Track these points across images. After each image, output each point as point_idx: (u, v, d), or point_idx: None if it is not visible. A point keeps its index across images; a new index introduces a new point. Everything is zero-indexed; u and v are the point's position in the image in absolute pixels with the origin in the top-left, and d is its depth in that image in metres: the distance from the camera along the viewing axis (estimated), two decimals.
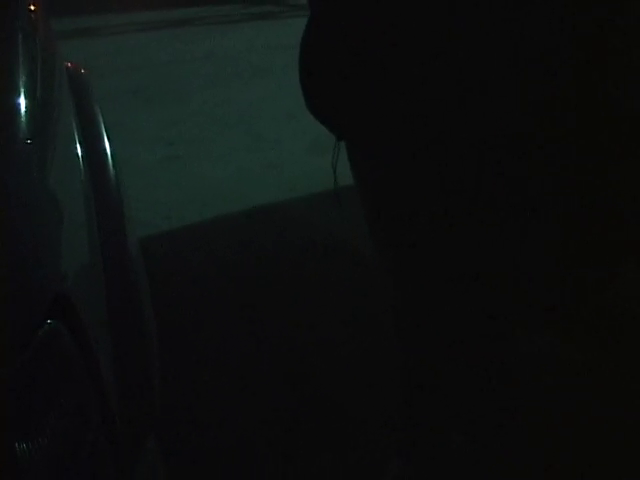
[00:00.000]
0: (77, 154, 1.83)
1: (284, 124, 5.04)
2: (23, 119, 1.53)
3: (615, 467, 2.20)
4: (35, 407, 1.21)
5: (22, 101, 1.57)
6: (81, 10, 7.80)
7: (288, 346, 2.96)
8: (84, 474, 1.33)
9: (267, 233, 3.85)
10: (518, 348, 2.00)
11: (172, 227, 3.96)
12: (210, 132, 5.06)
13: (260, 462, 2.44)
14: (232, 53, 6.62)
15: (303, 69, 1.78)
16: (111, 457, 1.50)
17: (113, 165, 1.96)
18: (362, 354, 2.87)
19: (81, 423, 1.35)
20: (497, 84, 1.62)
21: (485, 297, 1.83)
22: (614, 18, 1.58)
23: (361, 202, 1.93)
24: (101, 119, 2.10)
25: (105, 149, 2.00)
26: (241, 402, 2.69)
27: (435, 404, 2.05)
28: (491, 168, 1.69)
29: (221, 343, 3.02)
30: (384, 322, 2.81)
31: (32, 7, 2.08)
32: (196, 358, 2.93)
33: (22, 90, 1.62)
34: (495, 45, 1.60)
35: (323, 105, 1.80)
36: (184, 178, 4.46)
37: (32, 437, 1.16)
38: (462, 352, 1.93)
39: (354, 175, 1.92)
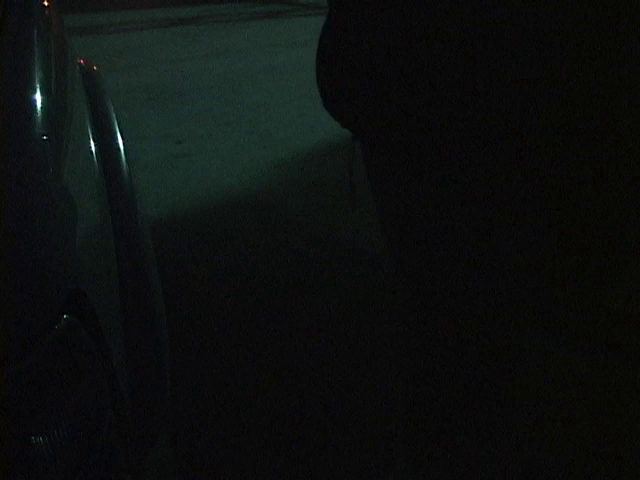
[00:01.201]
0: (91, 150, 1.84)
1: (292, 122, 5.04)
2: (39, 115, 1.54)
3: (615, 466, 2.20)
4: (50, 401, 1.21)
5: (38, 97, 1.58)
6: (87, 8, 7.81)
7: (290, 344, 2.96)
8: (97, 468, 1.33)
9: (273, 231, 3.85)
10: (521, 350, 2.00)
11: (178, 224, 3.96)
12: (217, 130, 5.06)
13: (262, 460, 2.45)
14: (239, 51, 6.62)
15: (321, 66, 1.78)
16: (124, 451, 1.51)
17: (126, 161, 1.96)
18: (365, 354, 2.87)
19: (95, 417, 1.35)
20: (499, 84, 1.63)
21: (486, 299, 1.84)
22: (616, 20, 1.59)
23: (374, 201, 1.93)
24: (114, 115, 2.11)
25: (118, 145, 2.00)
26: (242, 400, 2.70)
27: (439, 405, 2.06)
28: (494, 170, 1.70)
29: (223, 340, 3.02)
30: (387, 322, 2.82)
31: (46, 3, 2.09)
32: (199, 354, 2.94)
33: (37, 86, 1.62)
34: (496, 46, 1.61)
35: (340, 103, 1.80)
36: (191, 176, 4.47)
37: (47, 431, 1.17)
38: (465, 354, 1.94)
39: (368, 174, 1.92)
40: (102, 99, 2.19)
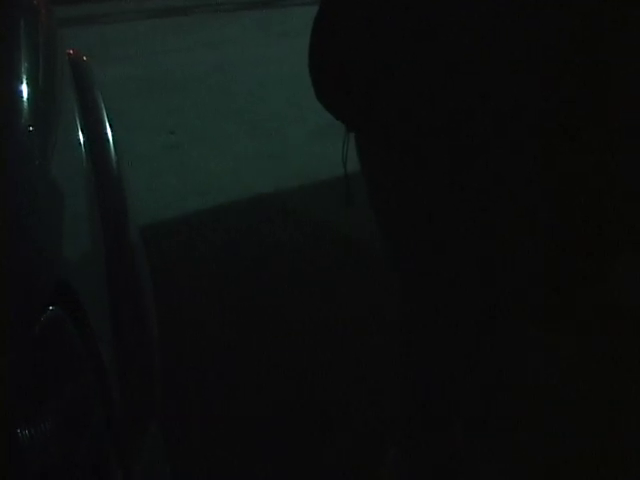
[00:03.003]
0: (79, 141, 1.83)
1: (285, 112, 5.04)
2: (25, 106, 1.53)
3: (615, 461, 2.20)
4: (37, 393, 1.21)
5: (24, 88, 1.57)
6: None
7: (286, 339, 2.95)
8: (86, 459, 1.33)
9: (267, 222, 3.84)
10: (518, 344, 2.00)
11: (172, 216, 3.95)
12: (211, 121, 5.05)
13: (257, 454, 2.45)
14: (232, 41, 6.60)
15: (313, 57, 1.77)
16: (113, 442, 1.50)
17: (115, 152, 1.96)
18: (362, 348, 2.86)
19: (82, 409, 1.35)
20: (497, 82, 1.63)
21: (484, 291, 1.84)
22: (615, 27, 1.59)
23: (368, 194, 1.92)
24: (103, 106, 2.10)
25: (107, 136, 2.00)
26: (239, 397, 2.69)
27: (435, 396, 2.05)
28: (490, 166, 1.70)
29: (219, 335, 3.01)
30: (384, 315, 2.81)
31: None
32: (194, 349, 2.93)
33: (24, 77, 1.61)
34: (495, 48, 1.61)
35: (333, 95, 1.80)
36: (184, 167, 4.46)
37: (34, 423, 1.16)
38: (461, 345, 1.93)
39: (362, 166, 1.92)
40: (91, 90, 2.18)
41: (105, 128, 2.02)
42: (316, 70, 1.79)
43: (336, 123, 1.88)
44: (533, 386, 2.25)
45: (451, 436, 2.05)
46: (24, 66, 1.65)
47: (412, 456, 2.11)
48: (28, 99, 1.55)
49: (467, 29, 1.61)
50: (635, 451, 2.21)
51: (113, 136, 2.01)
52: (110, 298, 1.70)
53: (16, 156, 1.39)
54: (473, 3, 1.61)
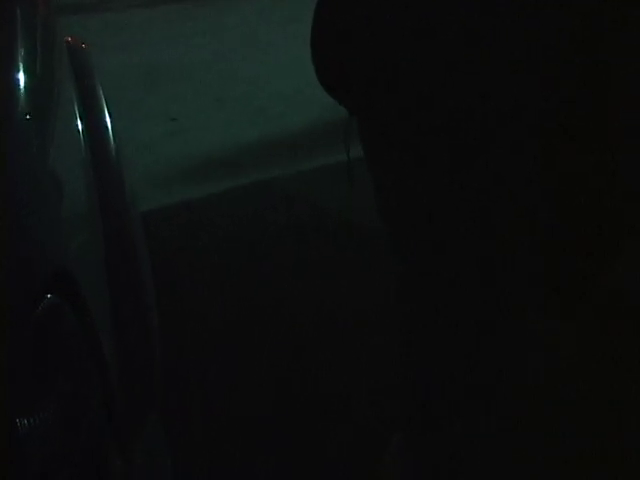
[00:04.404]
0: (77, 129, 1.83)
1: (287, 98, 5.03)
2: (22, 94, 1.53)
3: (615, 461, 2.19)
4: (36, 382, 1.21)
5: (21, 76, 1.56)
6: None
7: (289, 332, 2.94)
8: (86, 452, 1.33)
9: (269, 209, 3.84)
10: (518, 344, 1.99)
11: (174, 202, 3.95)
12: (211, 107, 5.04)
13: (262, 447, 2.44)
14: (234, 28, 6.59)
15: (315, 42, 1.77)
16: (114, 435, 1.50)
17: (114, 140, 1.95)
18: (364, 343, 2.85)
19: (82, 401, 1.35)
20: (497, 82, 1.63)
21: (483, 294, 1.84)
22: (615, 27, 1.58)
23: (370, 179, 1.92)
24: (101, 94, 2.10)
25: (105, 124, 1.99)
26: (241, 390, 2.68)
27: (436, 400, 2.05)
28: (490, 165, 1.70)
29: (220, 328, 3.00)
30: (384, 314, 2.80)
31: None
32: (195, 341, 2.92)
33: (21, 65, 1.61)
34: (495, 48, 1.61)
35: (335, 79, 1.79)
36: (186, 153, 4.45)
37: (33, 413, 1.16)
38: (463, 349, 1.93)
39: (364, 151, 1.91)
40: (90, 77, 2.17)
41: (104, 116, 2.02)
42: (319, 54, 1.79)
43: (340, 109, 1.88)
44: (533, 386, 2.24)
45: (451, 436, 2.05)
46: (22, 54, 1.65)
47: (412, 456, 2.11)
48: (26, 87, 1.54)
49: (467, 29, 1.61)
50: (635, 451, 2.21)
51: (112, 124, 2.01)
52: (110, 288, 1.69)
53: (14, 144, 1.38)
54: (473, 3, 1.61)
